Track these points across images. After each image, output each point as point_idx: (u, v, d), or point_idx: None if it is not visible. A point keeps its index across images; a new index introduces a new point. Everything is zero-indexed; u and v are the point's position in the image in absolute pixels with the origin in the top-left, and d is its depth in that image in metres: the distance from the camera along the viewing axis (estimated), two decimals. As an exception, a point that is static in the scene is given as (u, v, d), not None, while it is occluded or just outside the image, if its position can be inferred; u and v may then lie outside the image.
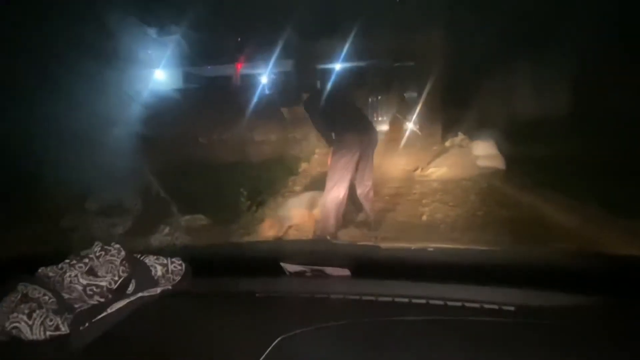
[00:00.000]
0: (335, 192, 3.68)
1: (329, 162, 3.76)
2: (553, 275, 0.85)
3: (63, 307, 0.82)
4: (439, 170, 6.58)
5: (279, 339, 0.71)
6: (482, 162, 6.62)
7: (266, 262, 1.00)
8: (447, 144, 8.02)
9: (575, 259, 1.01)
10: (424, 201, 5.22)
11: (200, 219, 4.58)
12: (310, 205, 4.26)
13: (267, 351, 0.68)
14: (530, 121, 8.12)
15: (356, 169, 3.75)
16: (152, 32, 8.28)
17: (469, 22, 8.86)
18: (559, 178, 5.07)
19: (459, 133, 7.94)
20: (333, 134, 3.72)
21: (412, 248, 1.10)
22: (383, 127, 9.81)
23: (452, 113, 9.05)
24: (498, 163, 6.56)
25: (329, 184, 3.72)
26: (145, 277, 0.90)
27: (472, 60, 9.02)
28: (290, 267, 0.96)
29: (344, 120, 3.73)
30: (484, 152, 6.80)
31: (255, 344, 0.70)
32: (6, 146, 4.11)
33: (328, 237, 3.71)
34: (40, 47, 4.69)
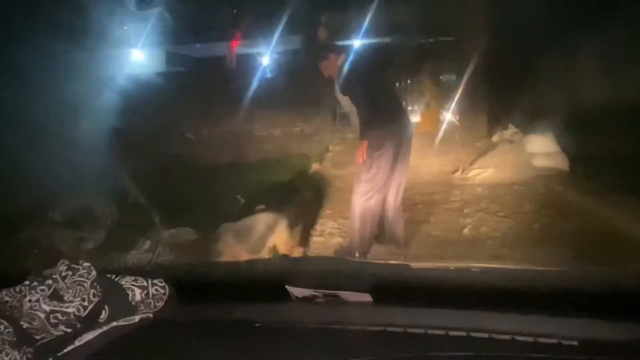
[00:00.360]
0: (371, 197, 3.68)
1: (360, 159, 3.67)
2: (627, 303, 0.84)
3: (22, 338, 0.83)
4: (485, 171, 6.54)
5: None
6: (538, 162, 6.55)
7: (268, 284, 1.00)
8: (495, 139, 7.98)
9: None
10: (465, 210, 5.19)
11: (188, 232, 4.61)
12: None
13: None
14: (600, 110, 7.99)
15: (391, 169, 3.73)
16: (129, 3, 8.41)
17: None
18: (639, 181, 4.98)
19: (510, 125, 7.88)
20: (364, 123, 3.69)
21: (451, 268, 1.10)
22: (414, 118, 9.78)
23: (500, 100, 8.96)
24: (559, 162, 6.48)
25: (361, 187, 3.70)
26: (120, 303, 0.92)
27: (526, 34, 8.91)
28: (298, 291, 0.96)
29: (385, 106, 3.72)
30: (541, 149, 6.73)
31: None
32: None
33: (357, 255, 3.71)
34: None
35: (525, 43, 8.98)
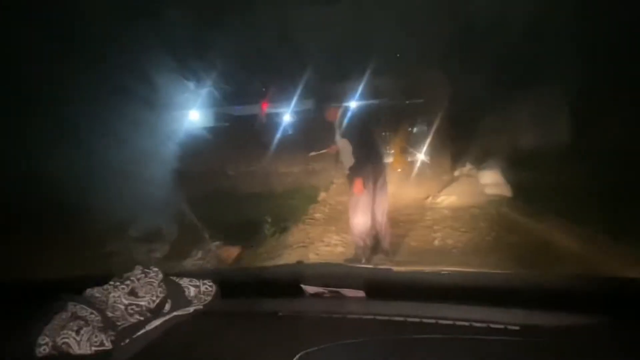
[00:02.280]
0: (365, 219, 3.65)
1: (359, 191, 3.57)
2: (555, 297, 0.83)
3: (107, 324, 0.84)
4: (449, 198, 6.48)
5: (299, 354, 0.71)
6: (489, 190, 6.48)
7: (288, 284, 1.00)
8: (456, 173, 7.93)
9: (576, 282, 0.98)
10: (435, 227, 5.12)
11: (228, 247, 4.58)
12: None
13: None
14: (532, 151, 7.99)
15: (373, 196, 3.67)
16: (189, 84, 8.61)
17: (474, 60, 8.91)
18: (563, 205, 4.93)
19: (467, 163, 7.86)
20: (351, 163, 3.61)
21: (425, 271, 1.09)
22: (389, 159, 9.75)
23: (460, 145, 8.98)
24: (504, 191, 6.41)
25: (357, 213, 3.64)
26: (180, 298, 0.92)
27: (479, 96, 9.01)
28: (309, 289, 0.96)
29: (369, 147, 3.68)
30: (491, 181, 6.67)
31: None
32: (56, 179, 4.25)
33: (363, 260, 3.64)
34: (89, 93, 4.95)
35: (479, 102, 9.07)
